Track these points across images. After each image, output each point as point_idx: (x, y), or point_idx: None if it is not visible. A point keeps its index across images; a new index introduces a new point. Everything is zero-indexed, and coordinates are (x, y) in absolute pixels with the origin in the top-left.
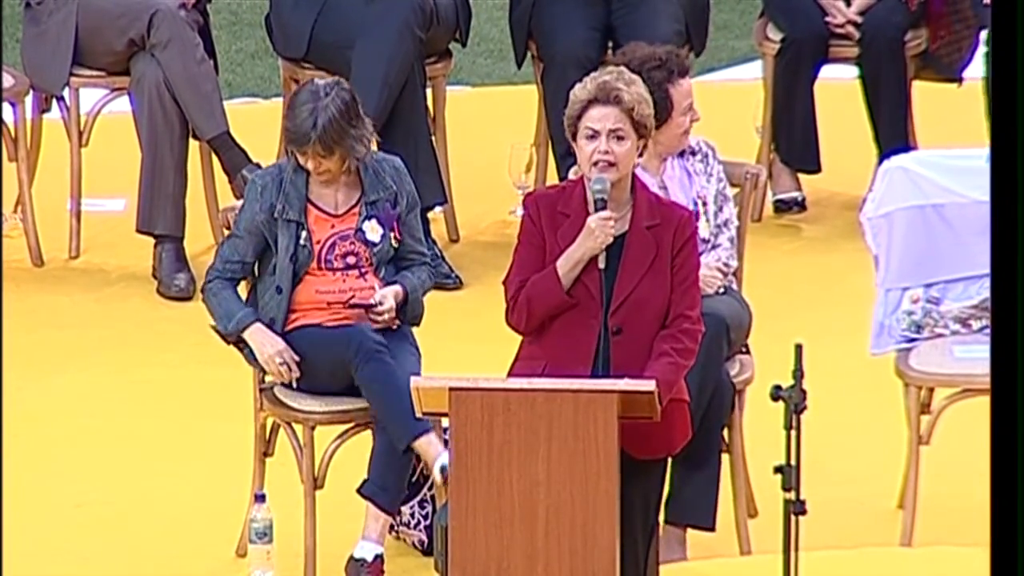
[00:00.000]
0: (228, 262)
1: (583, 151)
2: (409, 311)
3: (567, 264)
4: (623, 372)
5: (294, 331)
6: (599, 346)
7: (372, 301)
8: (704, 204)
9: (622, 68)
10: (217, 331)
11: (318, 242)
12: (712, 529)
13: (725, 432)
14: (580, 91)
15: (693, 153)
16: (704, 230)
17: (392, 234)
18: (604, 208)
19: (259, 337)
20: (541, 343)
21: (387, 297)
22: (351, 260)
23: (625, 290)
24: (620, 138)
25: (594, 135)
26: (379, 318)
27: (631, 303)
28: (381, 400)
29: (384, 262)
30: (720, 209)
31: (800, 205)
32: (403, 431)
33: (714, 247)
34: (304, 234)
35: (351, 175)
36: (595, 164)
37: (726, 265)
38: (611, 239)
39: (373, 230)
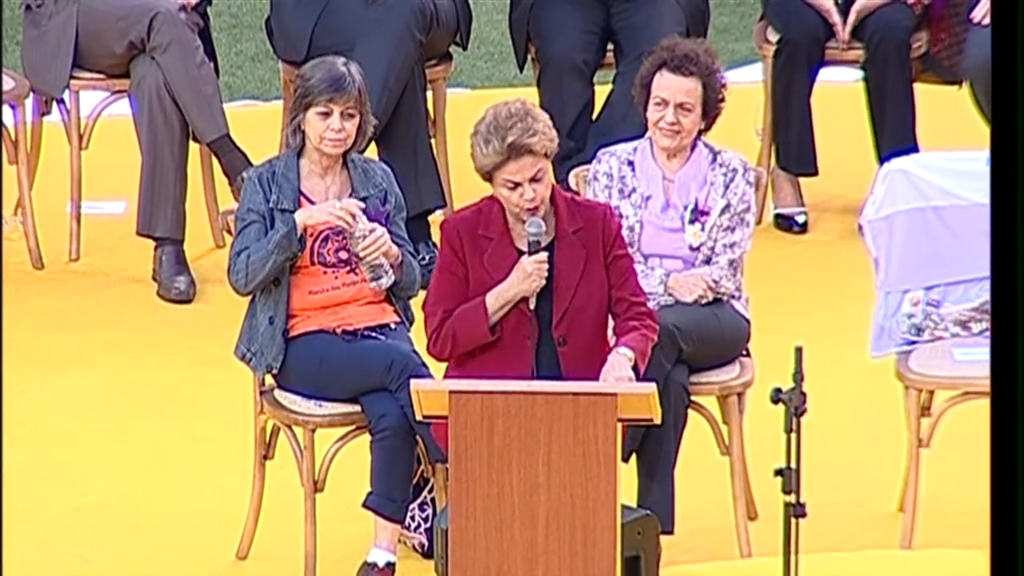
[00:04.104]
0: (247, 248)
1: (506, 198)
2: (405, 279)
3: (497, 302)
4: (576, 378)
5: (302, 336)
6: (537, 360)
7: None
8: (703, 214)
9: (517, 108)
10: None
11: (311, 235)
12: (671, 532)
13: (725, 434)
14: (487, 148)
15: (722, 165)
16: (694, 237)
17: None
18: (538, 251)
19: (305, 214)
20: (474, 363)
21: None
22: (343, 255)
23: (565, 300)
24: (539, 180)
25: (515, 186)
26: (366, 244)
27: (572, 311)
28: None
29: None
30: (730, 229)
31: (801, 227)
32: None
33: (708, 262)
34: None
35: (343, 171)
36: (524, 210)
37: (715, 282)
38: (544, 281)
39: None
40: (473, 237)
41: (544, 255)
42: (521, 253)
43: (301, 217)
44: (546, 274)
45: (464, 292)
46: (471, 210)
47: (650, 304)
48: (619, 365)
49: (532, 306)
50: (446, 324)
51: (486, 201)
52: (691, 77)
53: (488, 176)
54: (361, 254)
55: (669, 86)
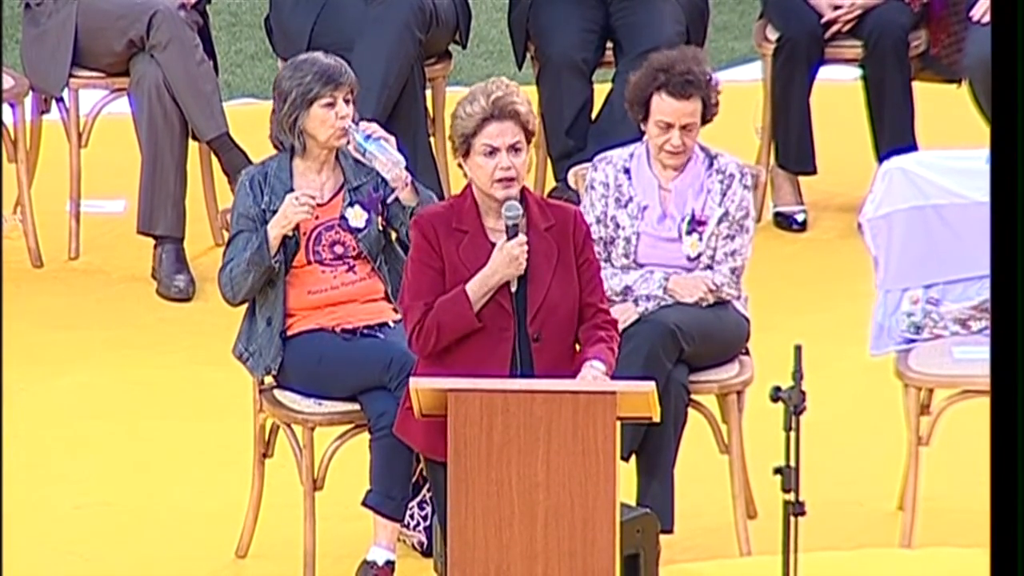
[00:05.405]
0: (232, 260)
1: (482, 168)
2: (422, 196)
3: (481, 289)
4: (548, 376)
5: (301, 335)
6: (516, 354)
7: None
8: (700, 224)
9: (501, 81)
10: (262, 267)
11: (304, 233)
12: (671, 531)
13: (725, 433)
14: (471, 107)
15: (719, 171)
16: (691, 248)
17: (378, 218)
18: (517, 234)
19: (275, 228)
20: (450, 359)
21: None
22: (339, 250)
23: (539, 296)
24: (518, 151)
25: (493, 151)
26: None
27: (546, 307)
28: None
29: (374, 250)
30: (730, 238)
31: (800, 226)
32: None
33: (709, 269)
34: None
35: (335, 165)
36: (498, 181)
37: (716, 286)
38: (525, 264)
39: (357, 216)
40: (447, 230)
41: (524, 238)
42: (495, 247)
43: (273, 231)
44: (526, 256)
45: (442, 285)
46: (443, 205)
47: (649, 305)
48: (595, 380)
49: (514, 288)
50: (428, 316)
51: (457, 198)
52: (692, 99)
53: (467, 146)
54: (370, 143)
55: (672, 111)
